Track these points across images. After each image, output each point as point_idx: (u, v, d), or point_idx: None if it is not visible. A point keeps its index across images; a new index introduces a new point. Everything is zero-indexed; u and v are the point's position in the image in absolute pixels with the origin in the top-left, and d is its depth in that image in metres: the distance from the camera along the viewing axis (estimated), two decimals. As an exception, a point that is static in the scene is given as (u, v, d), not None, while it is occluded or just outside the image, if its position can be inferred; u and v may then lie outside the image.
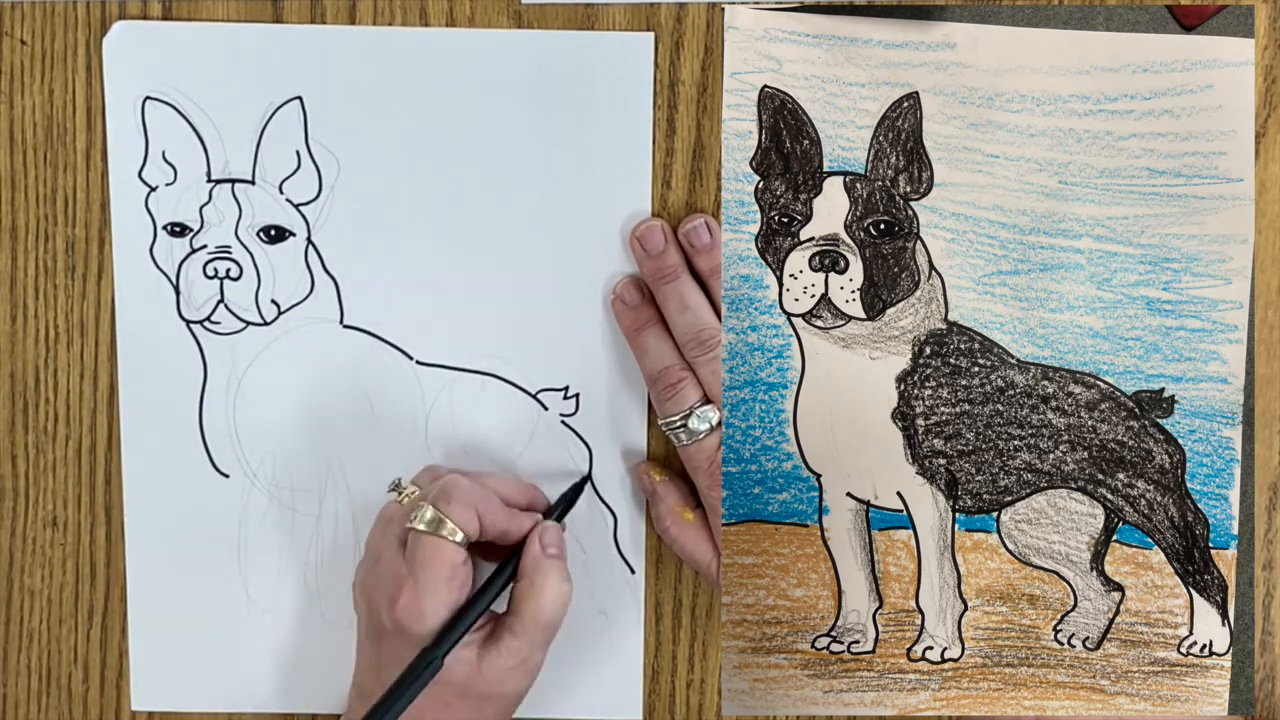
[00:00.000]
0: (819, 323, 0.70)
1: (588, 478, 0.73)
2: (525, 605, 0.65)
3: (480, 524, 0.65)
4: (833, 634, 0.73)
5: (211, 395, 0.72)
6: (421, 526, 0.64)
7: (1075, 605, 0.73)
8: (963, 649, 0.73)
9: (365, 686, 0.67)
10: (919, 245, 0.70)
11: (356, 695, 0.68)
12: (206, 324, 0.71)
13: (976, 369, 0.71)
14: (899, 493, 0.72)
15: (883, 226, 0.70)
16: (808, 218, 0.70)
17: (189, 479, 0.72)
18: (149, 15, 0.70)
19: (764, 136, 0.70)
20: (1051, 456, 0.72)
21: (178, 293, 0.71)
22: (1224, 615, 0.73)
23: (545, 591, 0.65)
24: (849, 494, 0.72)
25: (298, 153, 0.70)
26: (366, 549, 0.68)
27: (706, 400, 0.68)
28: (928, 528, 0.72)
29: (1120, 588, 0.73)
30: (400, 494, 0.68)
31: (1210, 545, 0.72)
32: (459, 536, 0.64)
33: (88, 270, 0.72)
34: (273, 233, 0.70)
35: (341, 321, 0.71)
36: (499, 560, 0.68)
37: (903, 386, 0.71)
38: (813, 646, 0.73)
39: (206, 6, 0.70)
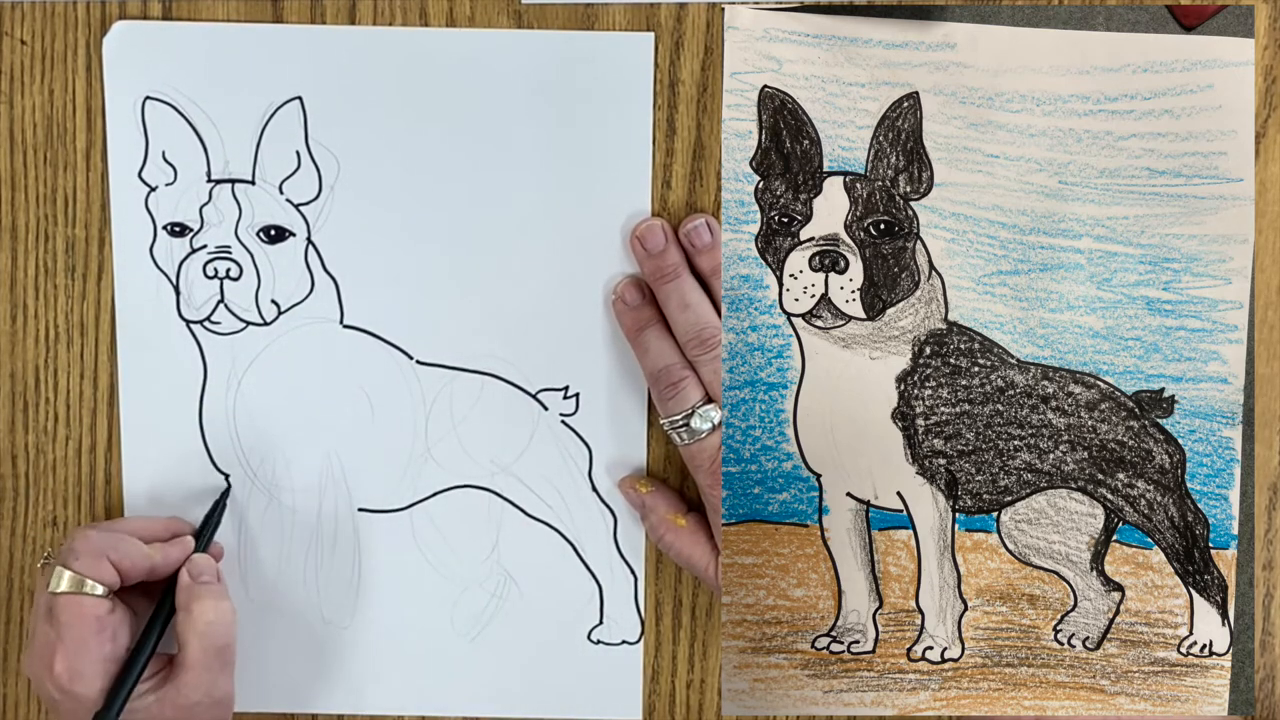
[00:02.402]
0: (819, 323, 0.70)
1: (225, 492, 0.72)
2: (189, 637, 0.66)
3: (118, 570, 0.66)
4: (833, 634, 0.73)
5: (211, 395, 0.72)
6: (59, 589, 0.65)
7: (1075, 605, 0.73)
8: (963, 649, 0.73)
9: None
10: (919, 245, 0.70)
11: None
12: (206, 324, 0.71)
13: (976, 369, 0.71)
14: (899, 493, 0.72)
15: (883, 226, 0.70)
16: (808, 218, 0.70)
17: (189, 478, 0.72)
18: (149, 15, 0.70)
19: (764, 136, 0.70)
20: (1051, 456, 0.72)
21: (178, 293, 0.71)
22: (1224, 615, 0.73)
23: (203, 618, 0.66)
24: (849, 494, 0.72)
25: (298, 153, 0.70)
26: (29, 631, 0.68)
27: (708, 399, 0.68)
28: (928, 528, 0.72)
29: (1120, 588, 0.73)
30: (43, 564, 0.68)
31: (1210, 545, 0.72)
32: (98, 590, 0.65)
33: (88, 270, 0.72)
34: (273, 233, 0.70)
35: (341, 321, 0.71)
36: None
37: (903, 386, 0.71)
38: (813, 646, 0.73)
39: (206, 6, 0.70)
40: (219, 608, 0.67)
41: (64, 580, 0.65)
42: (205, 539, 0.71)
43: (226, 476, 0.72)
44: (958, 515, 0.72)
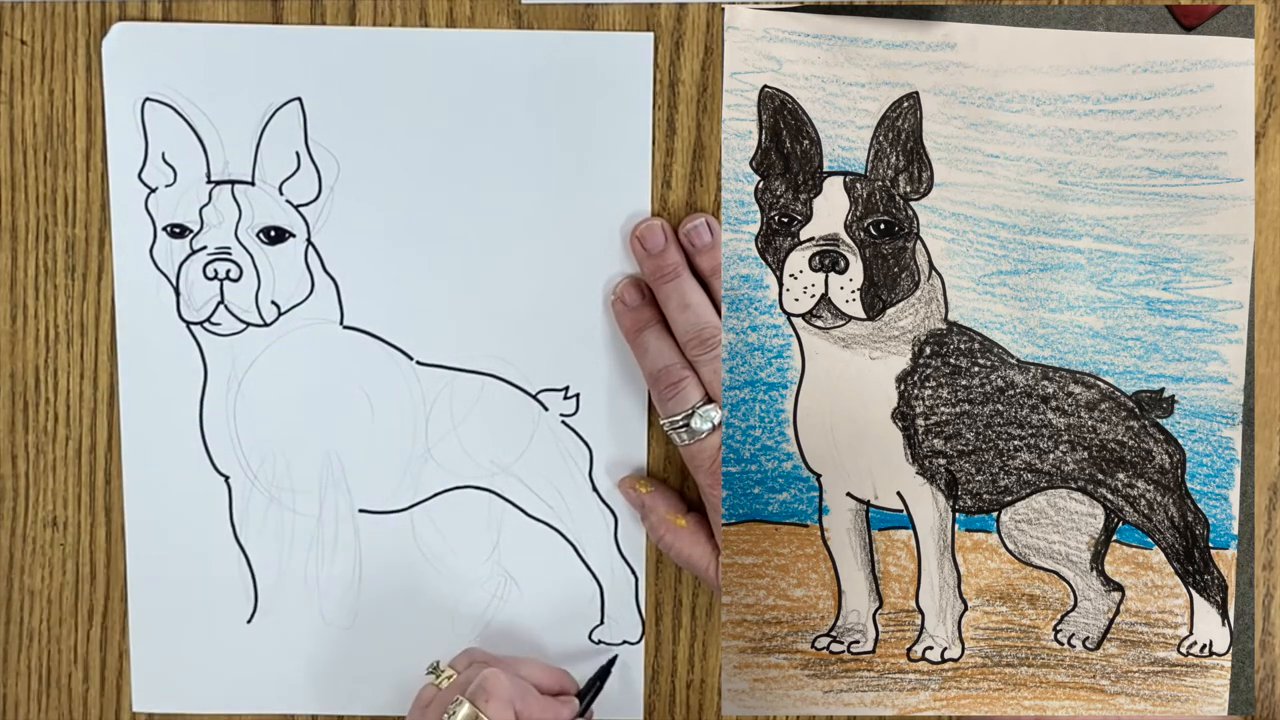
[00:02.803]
0: (819, 323, 0.70)
1: (613, 660, 0.73)
2: None
3: (516, 718, 0.65)
4: (833, 634, 0.73)
5: (212, 396, 0.72)
6: None
7: (1075, 605, 0.73)
8: (963, 649, 0.73)
9: None
10: (919, 245, 0.70)
11: None
12: (206, 325, 0.71)
13: (976, 369, 0.71)
14: (899, 493, 0.72)
15: (883, 226, 0.70)
16: (808, 218, 0.70)
17: (189, 479, 0.72)
18: (149, 16, 0.70)
19: (764, 136, 0.70)
20: (1051, 456, 0.72)
21: (178, 294, 0.71)
22: (1224, 615, 0.73)
23: None
24: (849, 494, 0.72)
25: (297, 154, 0.70)
26: None
27: (708, 399, 0.68)
28: (928, 528, 0.72)
29: (1120, 588, 0.73)
30: (438, 677, 0.68)
31: (1210, 545, 0.72)
32: None
33: (88, 270, 0.72)
34: (273, 234, 0.70)
35: (341, 322, 0.71)
36: None
37: (903, 386, 0.71)
38: (813, 646, 0.73)
39: (206, 7, 0.70)
40: None
41: (464, 717, 0.64)
42: (589, 701, 0.71)
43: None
44: (958, 515, 0.72)
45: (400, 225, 0.71)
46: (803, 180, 0.70)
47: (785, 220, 0.70)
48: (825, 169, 0.70)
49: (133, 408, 0.72)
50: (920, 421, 0.71)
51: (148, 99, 0.70)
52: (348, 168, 0.70)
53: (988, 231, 0.71)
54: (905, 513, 0.72)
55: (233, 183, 0.70)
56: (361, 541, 0.73)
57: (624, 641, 0.74)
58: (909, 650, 0.73)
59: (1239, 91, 0.69)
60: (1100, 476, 0.72)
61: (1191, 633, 0.73)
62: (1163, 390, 0.72)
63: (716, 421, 0.68)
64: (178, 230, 0.70)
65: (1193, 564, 0.73)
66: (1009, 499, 0.72)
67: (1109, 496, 0.72)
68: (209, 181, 0.70)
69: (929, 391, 0.71)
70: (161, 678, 0.74)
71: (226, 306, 0.71)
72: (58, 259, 0.72)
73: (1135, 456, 0.72)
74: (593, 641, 0.74)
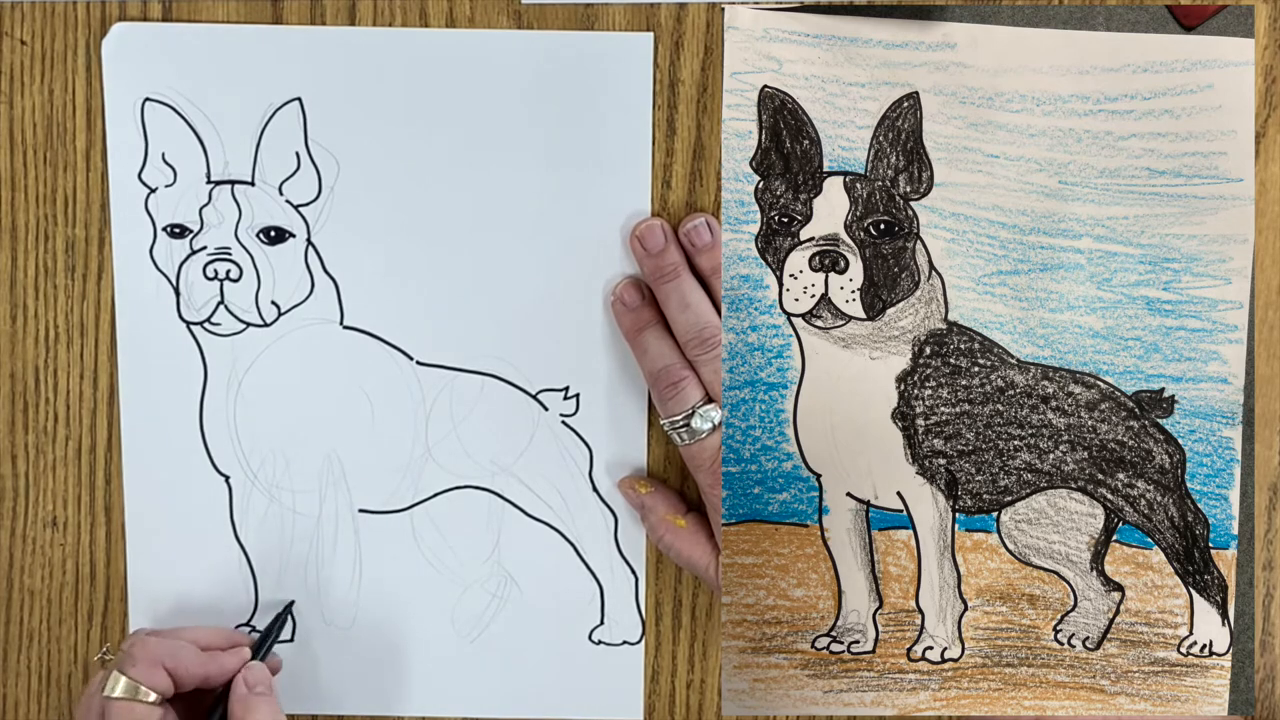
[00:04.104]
0: (819, 323, 0.70)
1: (288, 607, 0.73)
2: None
3: (173, 678, 0.66)
4: (833, 634, 0.73)
5: (212, 396, 0.72)
6: (114, 695, 0.65)
7: (1075, 605, 0.73)
8: (963, 649, 0.73)
9: None
10: (919, 245, 0.70)
11: None
12: (206, 325, 0.71)
13: (976, 369, 0.71)
14: (899, 493, 0.72)
15: (883, 226, 0.70)
16: (808, 218, 0.70)
17: (189, 479, 0.72)
18: (149, 16, 0.70)
19: (764, 136, 0.70)
20: (1051, 456, 0.72)
21: (178, 294, 0.71)
22: (1224, 615, 0.73)
23: None
24: (849, 494, 0.72)
25: (297, 154, 0.70)
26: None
27: (708, 399, 0.68)
28: (928, 528, 0.72)
29: (1120, 588, 0.73)
30: (102, 661, 0.69)
31: (1210, 545, 0.72)
32: (151, 697, 0.65)
33: (88, 270, 0.72)
34: (273, 234, 0.70)
35: (341, 322, 0.71)
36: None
37: (903, 386, 0.71)
38: (813, 646, 0.73)
39: (206, 7, 0.70)
40: (273, 717, 0.67)
41: (119, 686, 0.65)
42: (264, 650, 0.71)
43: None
44: (958, 515, 0.72)
45: (400, 225, 0.71)
46: (803, 180, 0.70)
47: (785, 220, 0.70)
48: (825, 169, 0.70)
49: (133, 408, 0.72)
50: (920, 421, 0.71)
51: (148, 99, 0.70)
52: (348, 168, 0.70)
53: (988, 231, 0.71)
54: (905, 513, 0.72)
55: (233, 183, 0.70)
56: (361, 541, 0.73)
57: (624, 642, 0.74)
58: (909, 650, 0.73)
59: (1239, 91, 0.69)
60: (1100, 476, 0.72)
61: (1191, 633, 0.73)
62: (1163, 390, 0.72)
63: (716, 421, 0.68)
64: (178, 230, 0.70)
65: (1193, 564, 0.73)
66: (1009, 499, 0.72)
67: (1109, 496, 0.72)
68: (209, 181, 0.70)
69: (929, 391, 0.71)
70: (161, 678, 0.74)
71: (226, 306, 0.71)
72: (58, 259, 0.72)
73: (1135, 456, 0.72)
74: (592, 641, 0.74)
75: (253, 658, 0.69)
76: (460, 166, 0.70)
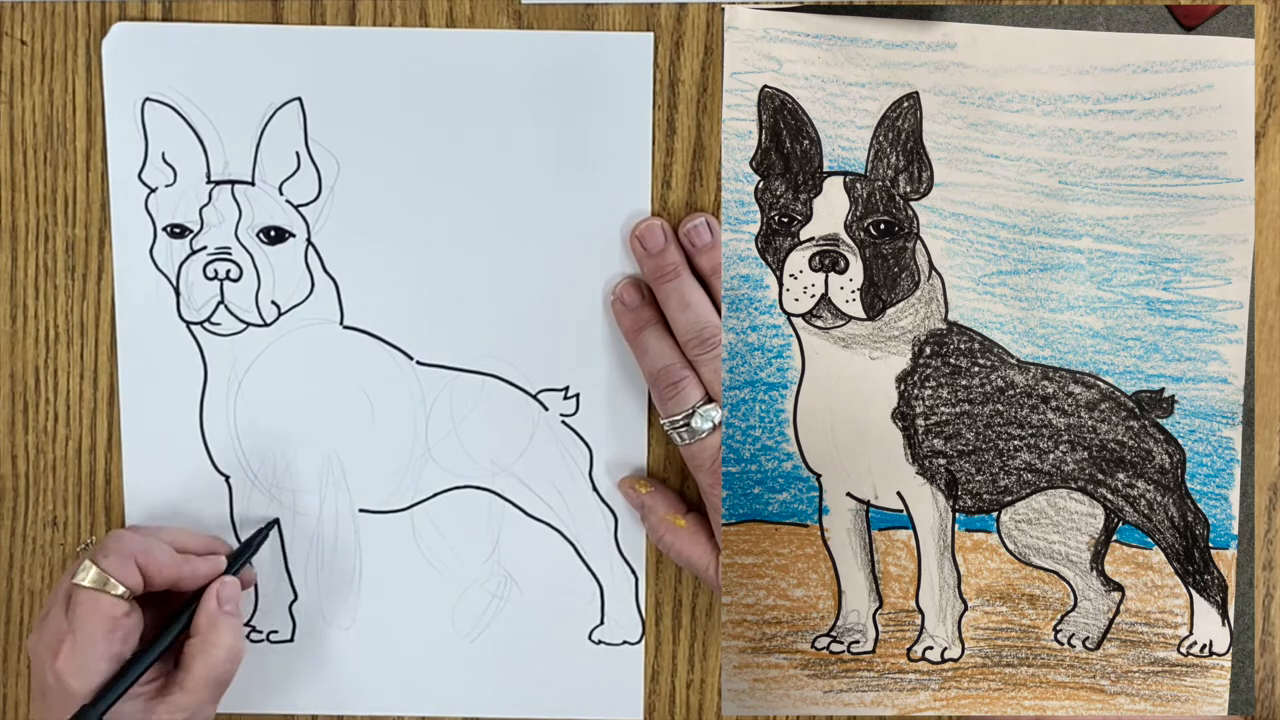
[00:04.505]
0: (819, 323, 0.70)
1: (274, 523, 0.73)
2: (196, 662, 0.66)
3: (144, 575, 0.66)
4: (833, 634, 0.73)
5: (212, 396, 0.72)
6: (83, 582, 0.65)
7: (1075, 605, 0.73)
8: (963, 649, 0.73)
9: None
10: (919, 245, 0.70)
11: None
12: (206, 325, 0.71)
13: (976, 369, 0.71)
14: (899, 493, 0.72)
15: (883, 226, 0.70)
16: (808, 218, 0.70)
17: (189, 479, 0.72)
18: (149, 16, 0.70)
19: (764, 136, 0.70)
20: (1051, 456, 0.72)
21: (178, 294, 0.71)
22: (1224, 615, 0.73)
23: (216, 649, 0.66)
24: (849, 494, 0.72)
25: (297, 153, 0.70)
26: (43, 607, 0.68)
27: (708, 399, 0.68)
28: (928, 528, 0.72)
29: (1120, 588, 0.73)
30: (85, 552, 0.68)
31: (1210, 545, 0.72)
32: (119, 590, 0.65)
33: (88, 270, 0.72)
34: (273, 234, 0.70)
35: (341, 322, 0.71)
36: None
37: (903, 386, 0.71)
38: (813, 646, 0.73)
39: (206, 7, 0.70)
40: (234, 640, 0.67)
41: (89, 575, 0.65)
42: (239, 564, 0.70)
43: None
44: (958, 515, 0.72)
45: (400, 225, 0.71)
46: (803, 180, 0.70)
47: (785, 220, 0.70)
48: (825, 169, 0.70)
49: (133, 408, 0.72)
50: (920, 421, 0.71)
51: (148, 99, 0.70)
52: (348, 168, 0.70)
53: (988, 231, 0.71)
54: (905, 513, 0.72)
55: (233, 183, 0.70)
56: (361, 541, 0.73)
57: (624, 641, 0.74)
58: (909, 650, 0.73)
59: (1239, 91, 0.69)
60: (1100, 476, 0.72)
61: (1191, 633, 0.73)
62: (1163, 390, 0.72)
63: (717, 421, 0.68)
64: (178, 230, 0.70)
65: (1193, 564, 0.73)
66: (1009, 499, 0.72)
67: (1109, 496, 0.72)
68: (209, 181, 0.70)
69: (929, 391, 0.71)
70: (161, 678, 0.74)
71: (226, 306, 0.71)
72: (58, 259, 0.72)
73: (1135, 456, 0.72)
74: (592, 641, 0.74)
75: (228, 570, 0.69)
76: (460, 166, 0.70)
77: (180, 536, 0.70)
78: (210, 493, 0.72)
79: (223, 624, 0.67)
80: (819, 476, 0.72)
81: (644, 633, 0.74)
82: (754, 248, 0.70)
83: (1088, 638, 0.73)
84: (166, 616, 0.68)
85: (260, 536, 0.72)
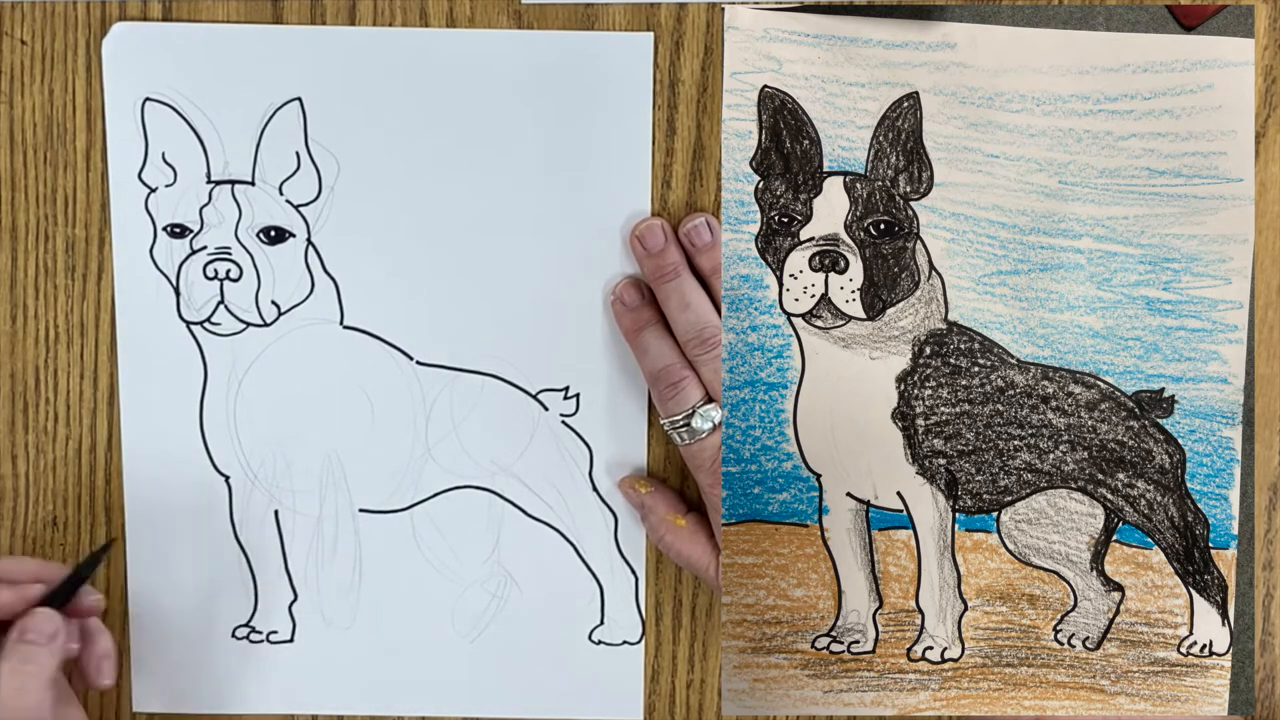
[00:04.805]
0: (819, 323, 0.70)
1: (106, 547, 0.70)
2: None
3: None
4: (833, 634, 0.73)
5: (212, 396, 0.72)
6: None
7: (1075, 605, 0.73)
8: (963, 649, 0.73)
9: None
10: (919, 245, 0.70)
11: None
12: (206, 325, 0.71)
13: (976, 369, 0.71)
14: (899, 493, 0.72)
15: (883, 226, 0.70)
16: (808, 218, 0.70)
17: (189, 479, 0.72)
18: (149, 16, 0.70)
19: (764, 136, 0.70)
20: (1051, 456, 0.72)
21: (178, 294, 0.71)
22: (1224, 615, 0.73)
23: (4, 683, 0.60)
24: (849, 494, 0.72)
25: (297, 153, 0.70)
26: None
27: (708, 399, 0.68)
28: (928, 528, 0.72)
29: (1120, 588, 0.73)
30: None
31: (1210, 545, 0.72)
32: None
33: (88, 270, 0.72)
34: (273, 234, 0.70)
35: (342, 322, 0.71)
36: None
37: (903, 386, 0.71)
38: (813, 646, 0.73)
39: (206, 7, 0.70)
40: (23, 675, 0.60)
41: None
42: (61, 595, 0.65)
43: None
44: (958, 515, 0.72)
45: (400, 225, 0.71)
46: (803, 180, 0.70)
47: (785, 220, 0.70)
48: (825, 169, 0.70)
49: (133, 408, 0.72)
50: (920, 421, 0.71)
51: (148, 99, 0.70)
52: (348, 168, 0.70)
53: (988, 231, 0.71)
54: (905, 513, 0.72)
55: (233, 183, 0.70)
56: (361, 541, 0.73)
57: (624, 641, 0.74)
58: (909, 650, 0.73)
59: (1239, 91, 0.69)
60: (1100, 476, 0.72)
61: (1191, 633, 0.73)
62: (1163, 390, 0.72)
63: (717, 421, 0.68)
64: (178, 230, 0.70)
65: (1193, 564, 0.73)
66: (1009, 499, 0.72)
67: (1109, 496, 0.72)
68: (209, 181, 0.70)
69: (929, 391, 0.71)
70: (161, 678, 0.74)
71: (226, 306, 0.71)
72: (58, 259, 0.72)
73: (1135, 456, 0.72)
74: (592, 641, 0.74)
75: (48, 601, 0.64)
76: (460, 166, 0.70)
77: (10, 566, 0.66)
78: (210, 493, 0.72)
79: (11, 653, 0.61)
80: (819, 476, 0.72)
81: (644, 633, 0.74)
82: (754, 248, 0.70)
83: (1088, 638, 0.73)
84: None
85: (93, 561, 0.68)
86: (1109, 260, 0.71)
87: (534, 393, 0.72)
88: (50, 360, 0.72)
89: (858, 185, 0.70)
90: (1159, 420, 0.72)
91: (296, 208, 0.70)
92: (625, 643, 0.74)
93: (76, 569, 0.67)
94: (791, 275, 0.70)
